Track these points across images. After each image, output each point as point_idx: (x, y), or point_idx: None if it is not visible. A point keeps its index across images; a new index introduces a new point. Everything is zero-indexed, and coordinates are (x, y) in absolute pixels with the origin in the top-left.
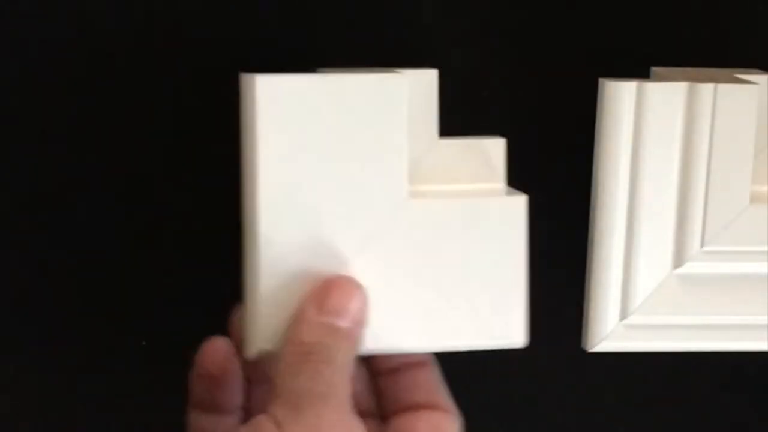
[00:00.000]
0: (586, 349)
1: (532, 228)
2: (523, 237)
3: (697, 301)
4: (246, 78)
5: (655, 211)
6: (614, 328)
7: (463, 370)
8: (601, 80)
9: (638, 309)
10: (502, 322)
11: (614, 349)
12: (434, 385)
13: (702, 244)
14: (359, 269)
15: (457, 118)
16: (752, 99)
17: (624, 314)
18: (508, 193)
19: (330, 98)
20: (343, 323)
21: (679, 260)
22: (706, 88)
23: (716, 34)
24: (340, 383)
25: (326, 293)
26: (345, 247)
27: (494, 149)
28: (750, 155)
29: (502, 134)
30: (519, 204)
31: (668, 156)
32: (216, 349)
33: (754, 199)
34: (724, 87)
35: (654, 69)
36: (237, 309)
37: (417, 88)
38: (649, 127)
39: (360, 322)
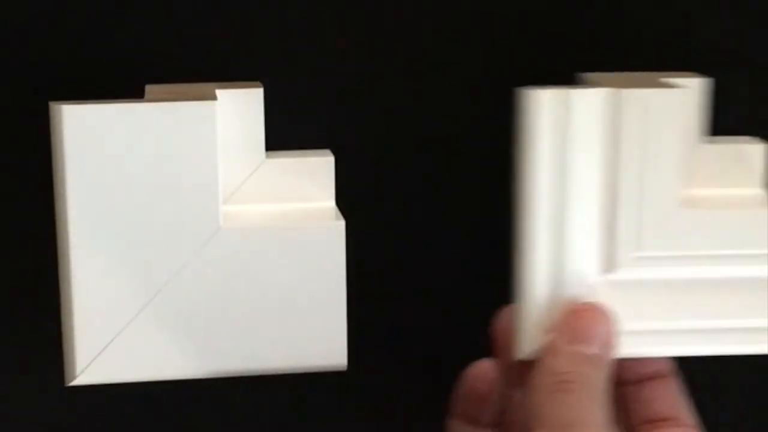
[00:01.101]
0: (518, 358)
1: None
2: (341, 261)
3: (628, 308)
4: (54, 107)
5: (583, 219)
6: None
7: None
8: (521, 90)
9: None
10: (323, 345)
11: None
12: (676, 399)
13: (633, 250)
14: (175, 294)
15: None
16: (676, 103)
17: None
18: (330, 217)
19: (139, 127)
20: (593, 350)
21: (610, 266)
22: (629, 94)
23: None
24: (598, 408)
25: (574, 322)
26: (159, 274)
27: (322, 165)
28: (678, 159)
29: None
30: (337, 229)
31: (594, 163)
32: (484, 371)
33: (686, 203)
34: (647, 92)
35: (584, 75)
36: (502, 312)
37: (243, 105)
38: (573, 134)
39: (609, 345)
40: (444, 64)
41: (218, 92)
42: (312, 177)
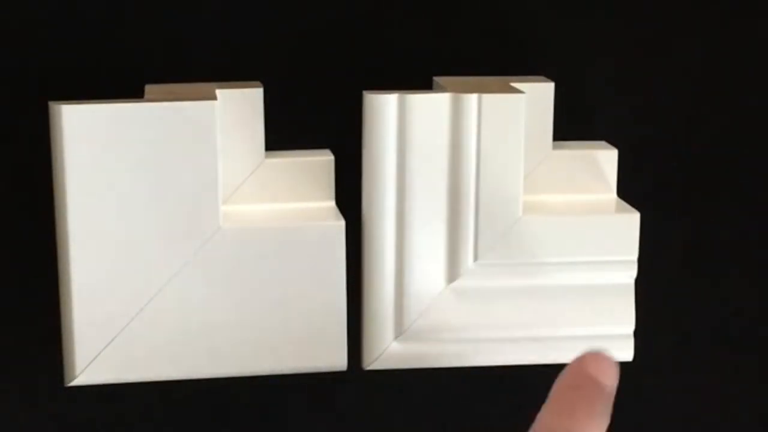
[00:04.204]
0: (363, 367)
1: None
2: (341, 261)
3: (471, 316)
4: (53, 107)
5: (426, 225)
6: (389, 346)
7: None
8: (364, 93)
9: (413, 326)
10: (324, 345)
11: (391, 367)
12: None
13: (475, 258)
14: (175, 294)
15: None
16: (519, 108)
17: (399, 331)
18: (330, 217)
19: (139, 127)
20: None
21: (453, 275)
22: (470, 99)
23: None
24: None
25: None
26: (159, 274)
27: (322, 165)
28: (520, 165)
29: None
30: (337, 229)
31: (436, 168)
32: None
33: (528, 209)
34: (488, 97)
35: (437, 79)
36: None
37: (243, 105)
38: (414, 139)
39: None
40: (446, 63)
41: (218, 92)
42: (312, 177)
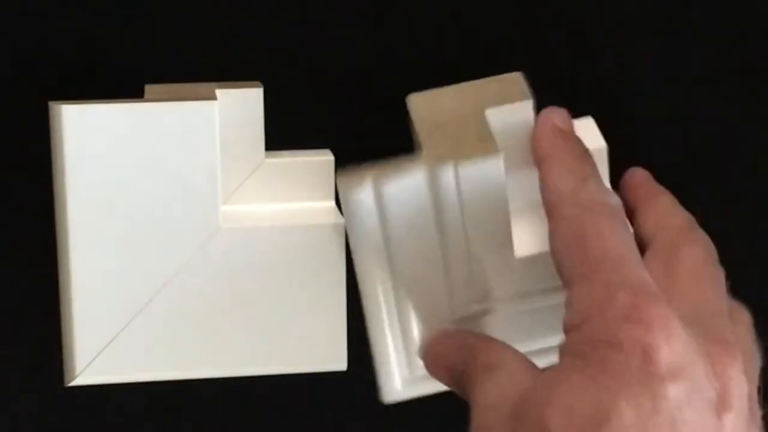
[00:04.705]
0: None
1: None
2: (341, 261)
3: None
4: (53, 107)
5: (421, 286)
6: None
7: None
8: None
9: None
10: (323, 346)
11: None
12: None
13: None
14: (175, 295)
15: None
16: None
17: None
18: (330, 217)
19: (139, 127)
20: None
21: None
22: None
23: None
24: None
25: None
26: (159, 274)
27: (322, 165)
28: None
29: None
30: (337, 229)
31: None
32: None
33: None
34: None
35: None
36: None
37: (242, 105)
38: (397, 220)
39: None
40: (445, 63)
41: (218, 92)
42: (312, 177)
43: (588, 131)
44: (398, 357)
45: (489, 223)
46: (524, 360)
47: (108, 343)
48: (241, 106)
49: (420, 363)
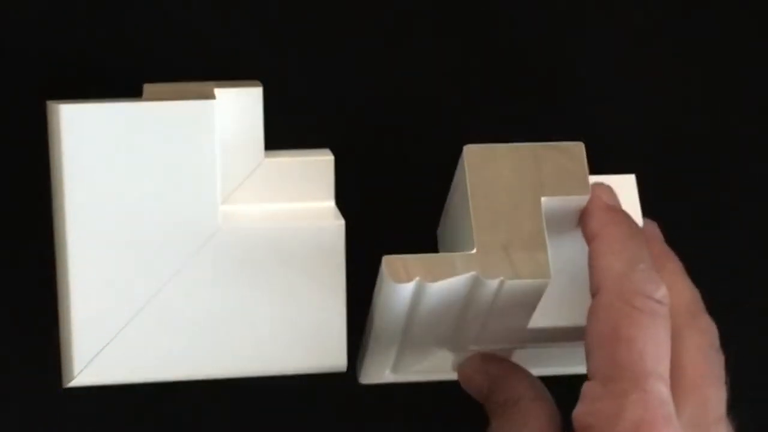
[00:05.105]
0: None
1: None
2: (341, 261)
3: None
4: (51, 107)
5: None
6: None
7: None
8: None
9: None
10: (323, 346)
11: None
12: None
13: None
14: (174, 295)
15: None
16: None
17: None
18: (330, 217)
19: (138, 127)
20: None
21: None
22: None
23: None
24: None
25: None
26: (158, 274)
27: (322, 165)
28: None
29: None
30: (337, 229)
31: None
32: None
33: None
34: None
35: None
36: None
37: (242, 105)
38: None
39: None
40: (446, 64)
41: (217, 92)
42: (312, 177)
43: (625, 190)
44: (386, 363)
45: (511, 317)
46: (539, 401)
47: (106, 344)
48: (240, 105)
49: (404, 368)
